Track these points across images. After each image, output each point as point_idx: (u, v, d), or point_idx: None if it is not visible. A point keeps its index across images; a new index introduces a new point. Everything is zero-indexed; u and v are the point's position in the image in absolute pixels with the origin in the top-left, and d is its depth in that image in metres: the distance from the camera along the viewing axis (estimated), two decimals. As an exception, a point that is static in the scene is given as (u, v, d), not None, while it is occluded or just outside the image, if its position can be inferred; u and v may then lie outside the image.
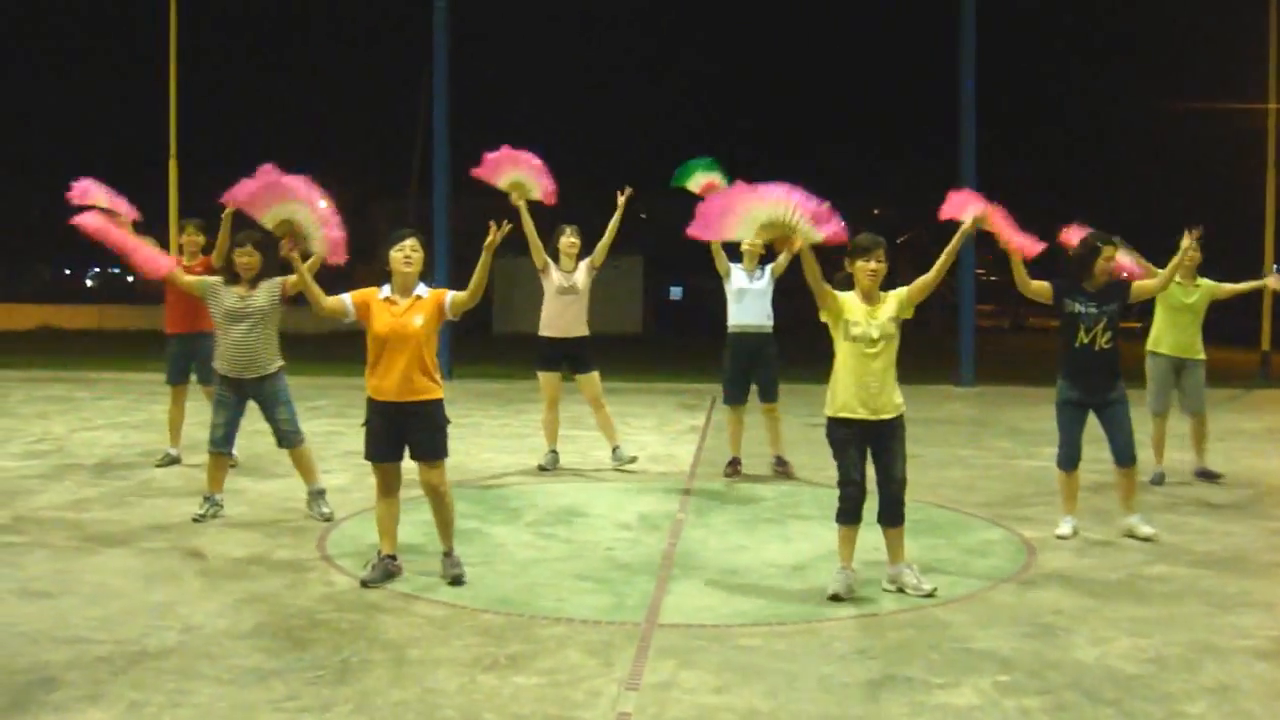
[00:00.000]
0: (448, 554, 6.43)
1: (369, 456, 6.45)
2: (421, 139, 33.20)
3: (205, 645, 5.22)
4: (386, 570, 6.35)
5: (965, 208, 6.87)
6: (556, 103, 44.97)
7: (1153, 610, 5.90)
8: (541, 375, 9.92)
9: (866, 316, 6.21)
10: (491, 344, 28.43)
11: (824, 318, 6.30)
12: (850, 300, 6.27)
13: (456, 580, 6.29)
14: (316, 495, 7.97)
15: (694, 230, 6.42)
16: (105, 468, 9.84)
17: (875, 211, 46.67)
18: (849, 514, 6.22)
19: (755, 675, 4.91)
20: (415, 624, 5.58)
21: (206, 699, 4.58)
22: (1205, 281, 9.41)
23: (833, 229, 6.06)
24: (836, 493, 6.22)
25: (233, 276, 7.76)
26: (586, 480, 9.57)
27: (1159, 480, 9.40)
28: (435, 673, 4.90)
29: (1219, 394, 16.04)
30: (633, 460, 9.99)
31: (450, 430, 6.49)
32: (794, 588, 6.32)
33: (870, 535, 6.52)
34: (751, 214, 6.16)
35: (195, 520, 7.71)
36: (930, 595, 6.08)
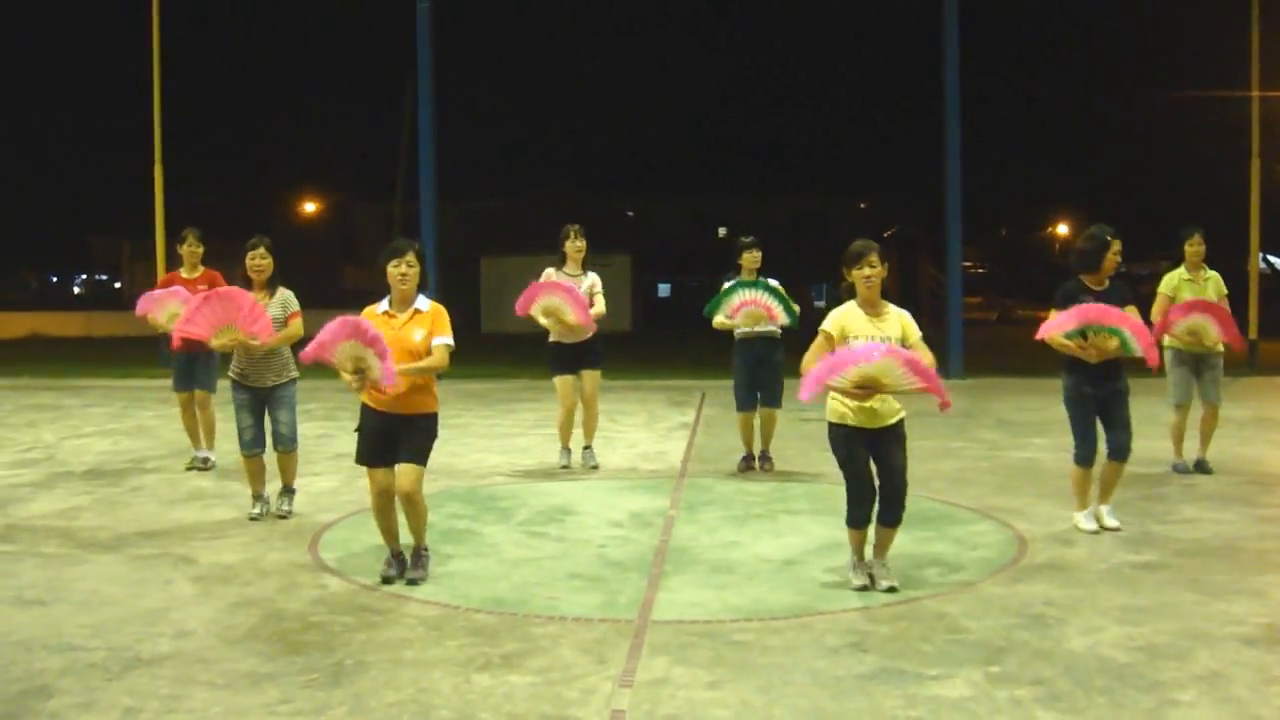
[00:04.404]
0: (416, 552, 6.45)
1: (360, 461, 6.41)
2: (406, 142, 33.14)
3: (199, 650, 5.22)
4: (401, 564, 6.39)
5: None
6: (543, 103, 44.99)
7: (1143, 599, 5.93)
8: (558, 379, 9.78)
9: (869, 329, 6.02)
10: (480, 343, 28.40)
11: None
12: (850, 316, 6.09)
13: (411, 582, 6.30)
14: (287, 492, 8.18)
15: (805, 393, 5.77)
16: (95, 475, 9.82)
17: (861, 205, 46.78)
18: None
19: (748, 670, 4.92)
20: (409, 625, 5.58)
21: (201, 704, 4.58)
22: (1213, 273, 9.40)
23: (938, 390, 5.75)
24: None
25: (246, 283, 7.89)
26: (577, 479, 9.57)
27: (1183, 470, 9.45)
28: (430, 673, 4.91)
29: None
30: (595, 468, 9.97)
31: (440, 430, 6.48)
32: (786, 582, 6.33)
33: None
34: (858, 373, 5.68)
35: (251, 519, 7.92)
36: (891, 590, 6.05)
